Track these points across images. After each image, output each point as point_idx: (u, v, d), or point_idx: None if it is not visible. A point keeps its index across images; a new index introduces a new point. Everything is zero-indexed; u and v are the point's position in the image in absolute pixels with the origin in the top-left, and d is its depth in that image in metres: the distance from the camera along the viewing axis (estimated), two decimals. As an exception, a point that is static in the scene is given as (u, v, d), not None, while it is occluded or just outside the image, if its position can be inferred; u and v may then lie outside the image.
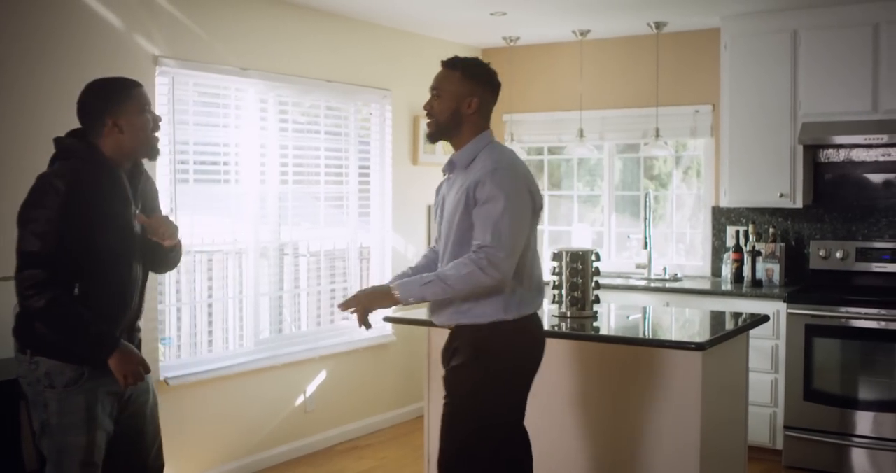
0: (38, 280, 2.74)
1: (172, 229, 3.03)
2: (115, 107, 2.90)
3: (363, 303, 3.15)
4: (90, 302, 2.85)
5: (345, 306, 3.20)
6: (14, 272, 2.80)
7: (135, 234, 2.97)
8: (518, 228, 3.07)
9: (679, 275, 6.03)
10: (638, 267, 6.26)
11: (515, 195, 3.07)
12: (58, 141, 2.95)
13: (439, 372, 4.31)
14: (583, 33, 6.28)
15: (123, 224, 2.92)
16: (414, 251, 6.39)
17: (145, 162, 3.08)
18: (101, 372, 2.89)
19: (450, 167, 3.31)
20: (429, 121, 3.26)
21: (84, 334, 2.82)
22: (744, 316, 4.35)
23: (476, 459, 3.18)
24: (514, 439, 3.32)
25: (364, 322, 3.17)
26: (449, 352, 3.31)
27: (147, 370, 2.94)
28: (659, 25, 5.98)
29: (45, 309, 2.76)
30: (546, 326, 4.17)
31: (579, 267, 4.13)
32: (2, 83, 3.88)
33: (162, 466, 3.22)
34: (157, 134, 2.99)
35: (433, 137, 3.29)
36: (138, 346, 3.08)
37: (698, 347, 3.57)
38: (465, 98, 3.18)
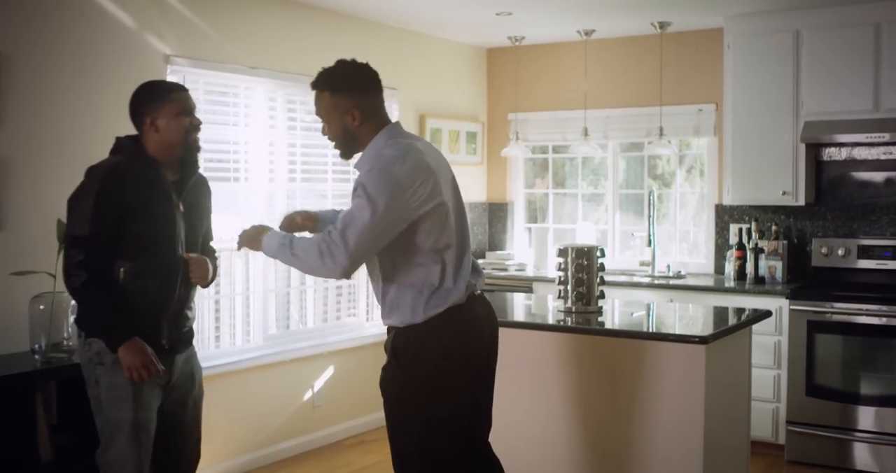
0: (77, 260, 2.98)
1: (204, 272, 3.24)
2: (154, 108, 3.13)
3: (245, 241, 3.13)
4: (136, 284, 3.08)
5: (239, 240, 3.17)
6: (62, 252, 3.09)
7: (176, 225, 3.16)
8: (371, 235, 2.88)
9: (682, 273, 6.10)
10: (642, 264, 6.33)
11: (379, 200, 2.87)
12: (116, 140, 3.21)
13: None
14: (587, 33, 6.35)
15: (161, 213, 3.12)
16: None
17: None
18: None
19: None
20: (333, 144, 3.15)
21: (104, 319, 3.05)
22: (746, 311, 4.41)
23: (422, 465, 3.08)
24: (464, 449, 3.12)
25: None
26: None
27: (157, 371, 3.07)
28: (662, 25, 6.05)
29: (79, 290, 3.02)
30: (551, 321, 4.26)
31: (584, 263, 4.19)
32: (16, 82, 3.95)
33: (198, 458, 3.40)
34: (196, 134, 3.19)
35: (344, 156, 3.16)
36: (188, 335, 3.30)
37: (702, 341, 3.64)
38: (345, 114, 3.05)
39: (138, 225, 3.06)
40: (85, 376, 3.17)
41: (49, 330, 3.74)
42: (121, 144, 3.18)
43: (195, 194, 3.30)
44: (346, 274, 2.94)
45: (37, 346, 3.75)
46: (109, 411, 3.08)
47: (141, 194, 3.08)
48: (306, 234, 3.27)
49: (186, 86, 4.67)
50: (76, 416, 3.92)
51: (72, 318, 3.82)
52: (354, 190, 2.94)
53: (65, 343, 3.81)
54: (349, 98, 3.07)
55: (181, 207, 3.20)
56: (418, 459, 3.08)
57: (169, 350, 3.20)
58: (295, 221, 3.33)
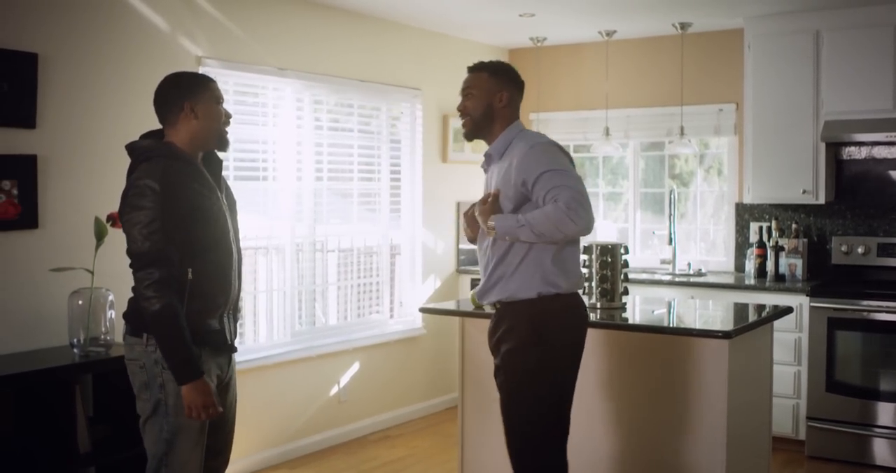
0: (155, 279, 2.86)
1: None
2: (193, 95, 3.05)
3: (472, 218, 3.42)
4: (200, 286, 2.98)
5: (467, 218, 3.49)
6: (132, 272, 2.92)
7: (226, 218, 3.11)
8: (582, 188, 3.20)
9: (703, 271, 6.16)
10: (663, 262, 6.39)
11: (561, 163, 3.23)
12: (131, 145, 3.07)
13: (473, 363, 4.48)
14: (609, 34, 6.42)
15: (214, 209, 3.05)
16: (444, 247, 6.55)
17: None
18: (214, 354, 3.07)
19: (487, 160, 3.48)
20: (464, 120, 3.44)
21: (176, 351, 2.90)
22: (767, 308, 4.48)
23: (544, 442, 3.32)
24: (566, 422, 3.39)
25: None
26: (499, 334, 3.39)
27: (216, 413, 2.97)
28: (683, 26, 6.11)
29: (157, 314, 2.87)
30: (576, 317, 4.33)
31: (609, 260, 4.26)
32: (53, 83, 4.05)
33: (227, 461, 3.33)
34: (228, 127, 3.15)
35: (470, 135, 3.47)
36: (238, 326, 3.26)
37: (725, 335, 3.70)
38: (495, 93, 3.38)
39: (202, 226, 2.99)
40: (143, 378, 3.04)
41: (87, 324, 3.83)
42: (147, 148, 3.03)
43: (226, 186, 3.24)
44: (591, 225, 3.18)
45: (75, 340, 3.85)
46: (176, 417, 2.98)
47: (197, 195, 3.00)
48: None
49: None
50: (112, 409, 4.03)
51: (110, 313, 3.92)
52: (518, 169, 3.23)
53: (102, 337, 3.90)
54: (503, 83, 3.42)
55: (223, 200, 3.15)
56: (537, 439, 3.34)
57: (230, 345, 3.17)
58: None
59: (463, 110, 3.44)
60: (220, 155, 3.26)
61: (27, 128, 3.93)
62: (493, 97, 3.39)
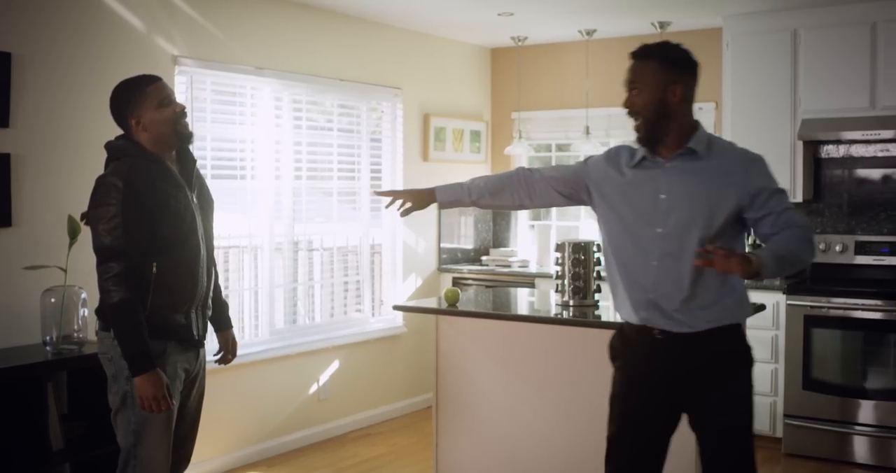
0: (116, 272, 2.95)
1: (232, 358, 3.58)
2: (134, 108, 3.11)
3: (726, 266, 2.70)
4: (165, 281, 3.06)
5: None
6: (95, 265, 3.01)
7: (194, 216, 3.18)
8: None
9: (683, 269, 6.18)
10: (643, 261, 6.41)
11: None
12: (108, 144, 3.17)
13: (448, 362, 4.50)
14: (589, 33, 6.44)
15: (180, 207, 3.11)
16: (425, 246, 6.57)
17: None
18: (181, 348, 3.15)
19: (653, 162, 2.97)
20: (637, 122, 2.94)
21: (130, 343, 2.98)
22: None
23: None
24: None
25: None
26: (704, 369, 2.93)
27: (168, 406, 3.01)
28: (663, 25, 6.14)
29: (115, 307, 2.97)
30: (550, 314, 4.35)
31: (581, 258, 4.29)
32: (26, 82, 4.06)
33: (190, 455, 3.37)
34: (184, 120, 3.17)
35: (646, 139, 2.94)
36: (206, 322, 3.32)
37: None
38: (667, 87, 2.89)
39: (166, 223, 3.07)
40: (111, 371, 3.13)
41: (60, 322, 3.85)
42: (119, 147, 3.14)
43: (200, 182, 3.31)
44: None
45: (48, 338, 3.86)
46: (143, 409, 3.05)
47: (162, 193, 3.07)
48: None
49: (194, 85, 4.85)
50: (86, 406, 4.05)
51: (83, 311, 3.94)
52: (760, 190, 2.85)
53: (75, 335, 3.91)
54: (675, 73, 2.91)
55: (194, 198, 3.22)
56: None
57: (197, 340, 3.23)
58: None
59: (630, 107, 2.95)
60: (196, 153, 3.32)
61: (1, 127, 3.95)
62: (664, 91, 2.88)
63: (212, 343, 3.51)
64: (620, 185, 3.04)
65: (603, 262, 3.19)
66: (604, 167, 3.12)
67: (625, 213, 3.01)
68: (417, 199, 3.43)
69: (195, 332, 3.20)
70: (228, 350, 3.55)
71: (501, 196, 3.37)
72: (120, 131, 3.19)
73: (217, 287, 3.46)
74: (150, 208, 3.03)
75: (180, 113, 3.16)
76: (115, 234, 2.96)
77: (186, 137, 3.19)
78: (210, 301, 3.32)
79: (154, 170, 3.09)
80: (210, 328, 3.41)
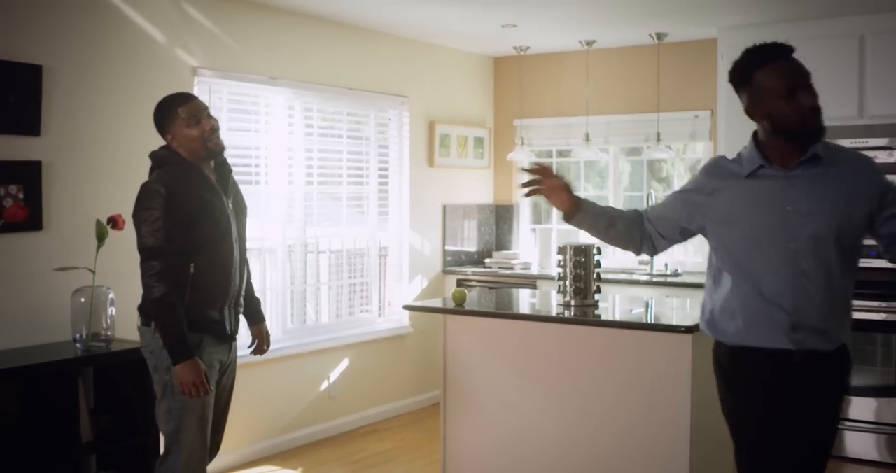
0: (157, 270, 3.24)
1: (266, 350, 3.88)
2: (169, 127, 3.44)
3: None
4: (201, 280, 3.35)
5: None
6: (139, 263, 3.30)
7: (229, 220, 3.46)
8: None
9: (679, 271, 6.41)
10: (641, 263, 6.64)
11: None
12: (151, 154, 3.46)
13: (455, 360, 4.71)
14: (588, 43, 6.67)
15: (216, 212, 3.40)
16: (430, 248, 6.79)
17: None
18: (215, 341, 3.44)
19: (806, 164, 2.81)
20: (818, 120, 2.86)
21: (170, 334, 3.27)
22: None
23: None
24: None
25: None
26: (828, 386, 2.86)
27: (206, 391, 3.30)
28: (660, 36, 6.36)
29: (157, 301, 3.26)
30: (552, 313, 4.57)
31: (582, 260, 4.51)
32: (56, 93, 4.29)
33: (220, 441, 3.67)
34: (215, 136, 3.45)
35: (815, 135, 2.83)
36: (238, 319, 3.60)
37: (687, 330, 3.95)
38: None
39: (203, 226, 3.34)
40: (153, 363, 3.40)
41: (89, 320, 4.07)
42: (161, 156, 3.43)
43: (235, 190, 3.59)
44: None
45: (77, 335, 4.08)
46: (182, 396, 3.31)
47: (200, 199, 3.36)
48: None
49: (212, 95, 5.07)
50: (112, 401, 4.27)
51: (111, 310, 4.16)
52: (886, 187, 2.78)
53: (103, 333, 4.13)
54: None
55: (229, 204, 3.49)
56: None
57: (230, 335, 3.51)
58: None
59: (817, 108, 2.87)
60: (231, 162, 3.61)
61: (32, 135, 4.17)
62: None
63: (244, 337, 3.77)
64: (737, 200, 2.86)
65: (708, 283, 2.99)
66: (710, 185, 2.95)
67: (748, 231, 2.82)
68: (556, 195, 3.10)
69: (228, 327, 3.48)
70: (263, 341, 3.85)
71: (615, 229, 3.13)
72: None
73: (250, 284, 3.74)
74: (189, 212, 3.30)
75: (209, 131, 3.43)
76: (158, 236, 3.24)
77: (216, 152, 3.47)
78: (242, 298, 3.59)
79: (193, 177, 3.38)
80: (244, 322, 3.70)
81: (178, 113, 3.42)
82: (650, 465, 4.18)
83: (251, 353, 3.88)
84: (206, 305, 3.39)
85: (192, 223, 3.32)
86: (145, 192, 3.32)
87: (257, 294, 5.45)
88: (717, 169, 2.98)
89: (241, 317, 3.67)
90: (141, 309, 3.43)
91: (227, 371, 3.58)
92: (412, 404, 6.61)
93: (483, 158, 7.35)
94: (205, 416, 3.39)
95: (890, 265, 2.81)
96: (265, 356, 5.30)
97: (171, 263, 3.27)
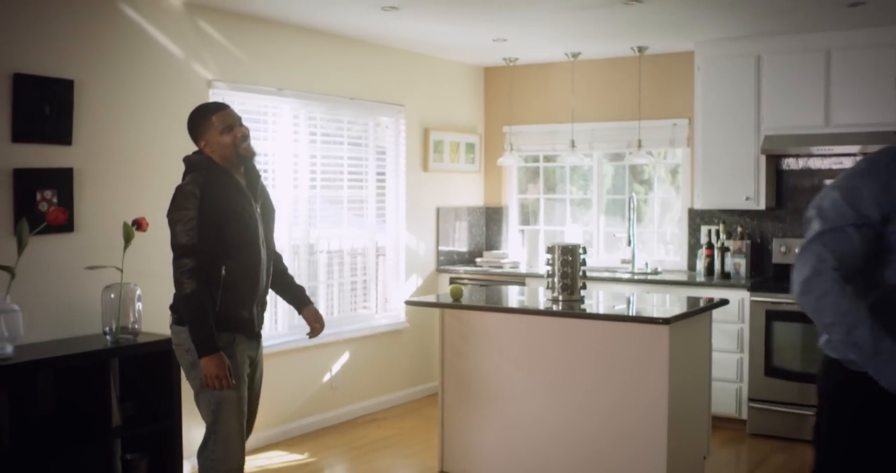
0: (189, 267, 3.45)
1: (320, 328, 4.03)
2: (203, 134, 3.65)
3: None
4: (232, 280, 3.55)
5: None
6: (171, 261, 3.51)
7: (257, 224, 3.66)
8: None
9: (659, 269, 6.82)
10: (623, 262, 7.03)
11: None
12: (186, 158, 3.67)
13: (452, 351, 5.09)
14: (574, 55, 7.07)
15: (246, 215, 3.60)
16: (425, 248, 7.17)
17: None
18: (246, 338, 3.65)
19: None
20: None
21: (198, 329, 3.48)
22: (701, 300, 5.13)
23: None
24: None
25: None
26: None
27: (229, 384, 3.50)
28: (641, 49, 6.76)
29: (187, 297, 3.47)
30: (541, 308, 4.96)
31: (569, 259, 4.91)
32: (86, 105, 4.64)
33: (252, 426, 3.88)
34: (246, 143, 3.66)
35: None
36: (263, 317, 3.79)
37: (665, 321, 4.35)
38: None
39: (233, 228, 3.53)
40: (189, 360, 3.60)
41: (118, 315, 4.42)
42: (195, 161, 3.62)
43: (264, 195, 3.79)
44: None
45: (107, 328, 4.43)
46: (218, 391, 3.52)
47: (231, 202, 3.55)
48: None
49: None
50: (137, 390, 4.61)
51: (138, 305, 4.51)
52: None
53: (131, 326, 4.48)
54: None
55: (258, 209, 3.67)
56: None
57: (258, 332, 3.73)
58: None
59: None
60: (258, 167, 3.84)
61: (65, 144, 4.53)
62: None
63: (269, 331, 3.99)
64: None
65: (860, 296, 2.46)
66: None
67: None
68: None
69: (255, 325, 3.71)
70: (316, 319, 4.02)
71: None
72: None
73: (289, 276, 4.01)
74: (221, 214, 3.50)
75: (241, 137, 3.64)
76: (191, 235, 3.44)
77: (247, 158, 3.69)
78: (267, 299, 3.80)
79: (225, 181, 3.58)
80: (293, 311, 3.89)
81: (213, 120, 3.61)
82: (631, 444, 4.57)
83: (308, 336, 4.08)
84: (237, 305, 3.58)
85: (223, 224, 3.49)
86: (181, 194, 3.50)
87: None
88: None
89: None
90: (174, 308, 3.63)
91: (257, 365, 3.81)
92: (409, 395, 7.00)
93: (474, 163, 7.73)
94: (240, 408, 3.62)
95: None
96: (273, 350, 5.74)
97: (202, 262, 3.44)
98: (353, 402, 6.48)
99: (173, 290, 3.57)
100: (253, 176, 3.76)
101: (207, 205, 3.48)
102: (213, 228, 3.49)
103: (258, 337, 3.78)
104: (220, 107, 3.72)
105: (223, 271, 3.54)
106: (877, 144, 5.80)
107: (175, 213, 3.50)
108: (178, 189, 3.55)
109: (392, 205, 6.90)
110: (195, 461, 3.77)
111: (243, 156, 3.67)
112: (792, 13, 5.55)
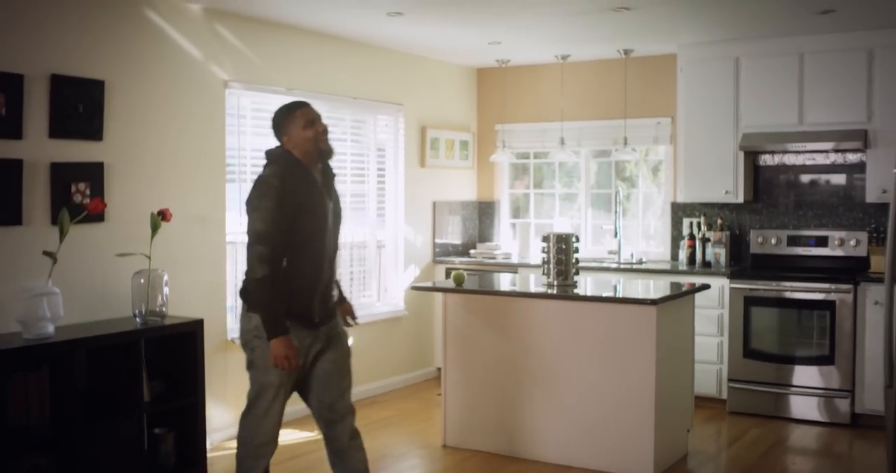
0: (263, 253, 3.56)
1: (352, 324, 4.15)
2: (285, 129, 3.78)
3: None
4: (291, 270, 3.66)
5: None
6: (247, 246, 3.65)
7: (327, 218, 3.77)
8: None
9: (643, 259, 7.19)
10: (610, 253, 7.39)
11: None
12: (268, 152, 3.80)
13: (454, 334, 5.44)
14: (563, 57, 7.43)
15: (319, 210, 3.72)
16: (422, 240, 7.52)
17: None
18: (301, 327, 3.73)
19: None
20: None
21: (268, 312, 3.60)
22: (684, 285, 5.52)
23: None
24: None
25: None
26: None
27: (297, 365, 3.62)
28: (626, 52, 7.13)
29: (259, 282, 3.59)
30: (538, 291, 5.31)
31: (563, 247, 5.28)
32: (116, 104, 4.95)
33: (348, 408, 4.02)
34: (325, 139, 3.78)
35: None
36: (333, 309, 3.91)
37: (653, 303, 4.73)
38: None
39: (305, 220, 3.63)
40: (242, 341, 3.80)
41: (147, 299, 4.71)
42: (276, 154, 3.72)
43: (336, 193, 3.88)
44: None
45: (137, 311, 4.72)
46: (261, 374, 3.69)
47: (307, 195, 3.65)
48: None
49: (239, 105, 5.77)
50: (163, 369, 4.88)
51: (165, 290, 4.80)
52: None
53: (159, 309, 4.76)
54: None
55: (330, 205, 3.77)
56: None
57: (318, 323, 3.79)
58: None
59: None
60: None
61: (96, 140, 4.84)
62: None
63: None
64: None
65: None
66: None
67: None
68: None
69: (315, 317, 3.78)
70: (349, 313, 4.17)
71: None
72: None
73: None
74: (297, 206, 3.61)
75: (321, 133, 3.76)
76: (268, 223, 3.55)
77: (327, 153, 3.79)
78: (332, 291, 3.89)
79: (302, 176, 3.69)
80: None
81: (296, 116, 3.73)
82: (622, 416, 4.94)
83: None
84: (295, 294, 3.66)
85: (297, 216, 3.59)
86: (263, 184, 3.61)
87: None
88: None
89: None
90: (243, 293, 3.75)
91: (329, 350, 3.88)
92: (408, 379, 7.35)
93: (468, 160, 8.08)
94: (280, 394, 3.77)
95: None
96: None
97: (276, 249, 3.55)
98: (356, 386, 6.70)
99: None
100: (329, 175, 3.87)
101: (285, 197, 3.58)
102: (288, 218, 3.59)
103: (316, 327, 3.81)
104: (303, 104, 3.84)
105: (284, 262, 3.64)
106: (848, 141, 6.22)
107: (254, 201, 3.61)
108: (260, 179, 3.67)
109: (391, 200, 7.22)
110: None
111: (323, 150, 3.78)
112: (768, 19, 5.93)
